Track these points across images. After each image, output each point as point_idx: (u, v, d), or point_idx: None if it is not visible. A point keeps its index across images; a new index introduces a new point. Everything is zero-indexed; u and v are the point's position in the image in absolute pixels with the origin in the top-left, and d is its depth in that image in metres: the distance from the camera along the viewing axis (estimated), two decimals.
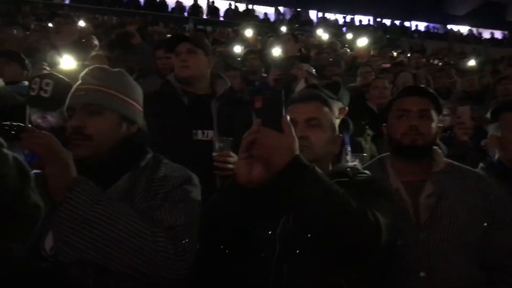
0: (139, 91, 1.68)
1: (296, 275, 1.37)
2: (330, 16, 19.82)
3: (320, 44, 10.04)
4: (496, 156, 2.25)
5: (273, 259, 1.39)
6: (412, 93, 1.89)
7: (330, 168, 1.64)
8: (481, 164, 2.28)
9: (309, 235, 1.31)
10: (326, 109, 1.66)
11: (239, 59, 6.34)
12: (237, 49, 7.25)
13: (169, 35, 7.37)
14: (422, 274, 1.68)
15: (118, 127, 1.55)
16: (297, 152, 1.27)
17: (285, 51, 5.10)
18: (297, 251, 1.38)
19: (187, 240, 1.39)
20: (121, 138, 1.56)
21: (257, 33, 10.19)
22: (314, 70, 3.74)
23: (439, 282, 1.68)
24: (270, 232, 1.42)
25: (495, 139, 2.24)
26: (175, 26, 11.91)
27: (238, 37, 9.18)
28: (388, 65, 7.66)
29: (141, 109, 1.66)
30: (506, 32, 21.36)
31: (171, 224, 1.40)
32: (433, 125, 1.83)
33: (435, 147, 1.88)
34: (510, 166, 2.18)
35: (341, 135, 1.73)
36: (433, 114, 1.84)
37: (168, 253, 1.34)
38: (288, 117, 1.30)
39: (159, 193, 1.46)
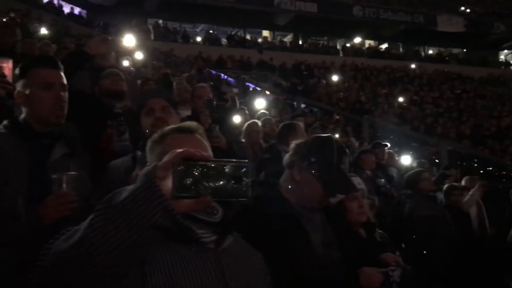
0: None
1: None
2: None
3: None
4: (23, 115, 2.15)
5: None
6: None
7: None
8: (4, 122, 2.13)
9: None
10: None
11: None
12: None
13: None
14: None
15: None
16: None
17: None
18: None
19: None
20: None
21: None
22: None
23: None
24: None
25: (22, 96, 2.13)
26: None
27: None
28: None
29: None
30: (85, 11, 22.20)
31: None
32: None
33: None
34: (36, 127, 2.11)
35: None
36: None
37: None
38: None
39: None
